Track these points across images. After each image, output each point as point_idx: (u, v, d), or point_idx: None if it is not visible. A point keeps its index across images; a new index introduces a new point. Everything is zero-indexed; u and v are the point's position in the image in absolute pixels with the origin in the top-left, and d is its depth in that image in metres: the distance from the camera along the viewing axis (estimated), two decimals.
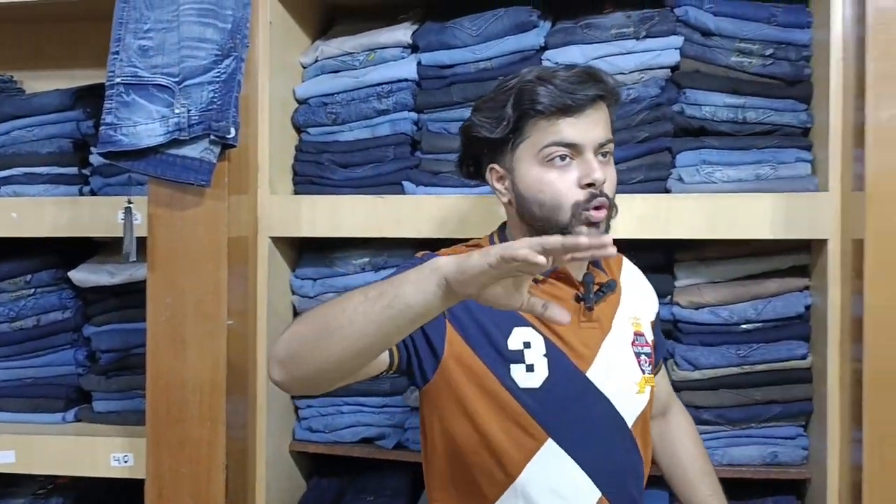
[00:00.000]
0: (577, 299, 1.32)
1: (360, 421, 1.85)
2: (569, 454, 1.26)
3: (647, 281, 1.49)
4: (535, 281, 1.28)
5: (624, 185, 1.70)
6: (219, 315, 1.65)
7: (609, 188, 1.27)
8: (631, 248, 1.73)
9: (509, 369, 1.25)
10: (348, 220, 1.79)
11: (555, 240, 0.89)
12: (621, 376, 1.32)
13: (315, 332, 1.05)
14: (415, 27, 1.88)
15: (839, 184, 1.57)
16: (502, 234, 1.38)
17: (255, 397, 1.80)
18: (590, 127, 1.26)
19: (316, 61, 1.93)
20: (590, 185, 1.25)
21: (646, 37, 1.74)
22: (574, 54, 1.75)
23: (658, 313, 1.49)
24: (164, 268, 1.66)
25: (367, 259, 1.88)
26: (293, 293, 1.93)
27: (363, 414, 1.86)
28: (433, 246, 1.85)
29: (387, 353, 1.19)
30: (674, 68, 1.75)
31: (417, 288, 0.98)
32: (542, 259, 0.88)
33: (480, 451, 1.27)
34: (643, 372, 1.35)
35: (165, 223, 1.66)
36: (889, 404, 1.42)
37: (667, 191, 1.70)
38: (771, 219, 1.60)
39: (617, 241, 1.76)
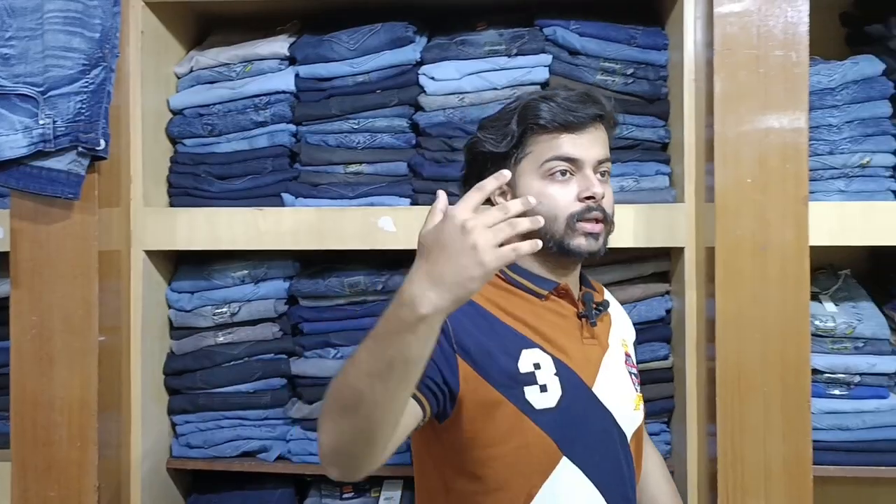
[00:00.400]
0: (579, 316, 1.34)
1: (240, 435, 1.84)
2: (581, 470, 1.26)
3: (620, 306, 1.51)
4: (540, 297, 1.31)
5: None
6: (89, 331, 1.60)
7: (607, 205, 1.31)
8: None
9: (523, 392, 1.24)
10: (227, 233, 1.77)
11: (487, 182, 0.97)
12: (620, 393, 1.33)
13: (338, 424, 1.03)
14: (292, 39, 1.88)
15: (693, 195, 1.69)
16: None
17: (128, 414, 1.75)
18: (590, 144, 1.30)
19: (191, 71, 1.91)
20: (589, 198, 1.28)
21: (517, 54, 1.81)
22: (449, 70, 1.81)
23: (634, 340, 1.49)
24: (28, 284, 1.60)
25: (246, 271, 1.87)
26: (169, 307, 1.89)
27: (243, 427, 1.84)
28: (314, 257, 1.87)
29: (414, 403, 1.14)
30: (544, 85, 1.83)
31: (415, 342, 0.95)
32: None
33: (488, 480, 1.23)
34: (636, 390, 1.38)
35: (30, 237, 1.60)
36: (738, 401, 1.54)
37: None
38: (634, 229, 1.70)
39: None
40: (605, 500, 1.27)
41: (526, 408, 1.23)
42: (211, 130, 1.86)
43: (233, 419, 1.84)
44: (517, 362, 1.25)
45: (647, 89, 1.81)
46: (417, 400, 1.15)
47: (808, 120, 1.56)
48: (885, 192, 1.72)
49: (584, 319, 1.33)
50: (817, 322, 1.73)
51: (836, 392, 1.73)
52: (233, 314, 1.84)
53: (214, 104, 1.86)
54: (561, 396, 1.25)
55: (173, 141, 1.91)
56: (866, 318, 1.75)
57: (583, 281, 1.40)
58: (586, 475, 1.26)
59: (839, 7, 1.94)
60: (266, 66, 1.87)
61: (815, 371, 1.69)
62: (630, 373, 1.38)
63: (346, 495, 1.85)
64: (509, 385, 1.23)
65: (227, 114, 1.86)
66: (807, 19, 1.54)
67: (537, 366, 1.26)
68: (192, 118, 1.87)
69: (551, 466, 1.24)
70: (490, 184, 0.99)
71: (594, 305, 1.36)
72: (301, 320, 1.86)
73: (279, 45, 1.87)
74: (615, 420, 1.31)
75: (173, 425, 1.89)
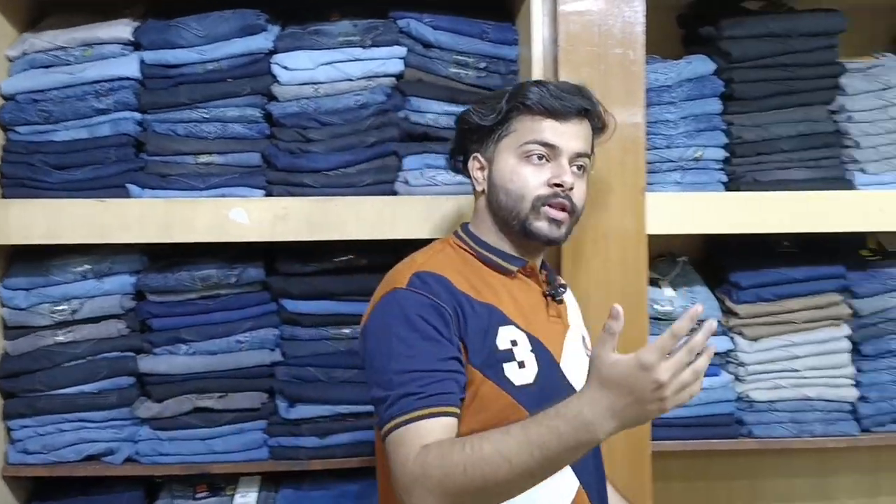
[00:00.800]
0: (544, 295, 1.37)
1: (83, 438, 1.75)
2: None
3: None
4: (509, 274, 1.34)
5: (355, 188, 1.77)
6: None
7: (577, 197, 1.33)
8: (363, 248, 1.80)
9: (503, 369, 1.25)
10: (67, 226, 1.68)
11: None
12: (581, 371, 1.31)
13: (480, 477, 1.06)
14: (136, 24, 1.80)
15: None
16: (466, 230, 1.40)
17: None
18: (571, 135, 1.32)
19: (24, 55, 1.79)
20: (558, 185, 1.30)
21: (371, 45, 1.81)
22: (303, 59, 1.78)
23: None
24: None
25: (88, 266, 1.78)
26: (3, 305, 1.77)
27: (87, 430, 1.75)
28: (163, 251, 1.80)
29: (454, 420, 1.17)
30: (399, 76, 1.83)
31: (580, 454, 1.06)
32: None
33: None
34: None
35: None
36: None
37: (394, 193, 1.79)
38: None
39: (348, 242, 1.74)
40: (576, 476, 1.29)
41: (506, 385, 1.25)
42: (47, 118, 1.75)
43: (75, 422, 1.75)
44: (495, 339, 1.26)
45: (499, 83, 1.84)
46: (455, 415, 1.17)
47: (645, 115, 1.65)
48: (716, 184, 1.84)
49: (548, 298, 1.37)
50: (657, 306, 1.84)
51: None
52: (74, 311, 1.75)
53: (51, 90, 1.76)
54: (538, 372, 1.27)
55: (4, 128, 1.78)
56: (700, 301, 1.88)
57: (542, 264, 1.42)
58: None
59: (677, 9, 2.05)
60: (108, 51, 1.78)
61: None
62: (587, 354, 1.39)
63: (199, 495, 1.80)
64: (489, 363, 1.24)
65: (65, 100, 1.76)
66: (643, 19, 1.63)
67: (514, 342, 1.27)
68: (26, 104, 1.76)
69: None
70: (683, 327, 1.00)
71: (557, 285, 1.40)
72: (150, 316, 1.79)
73: (122, 28, 1.78)
74: None
75: (8, 431, 1.77)
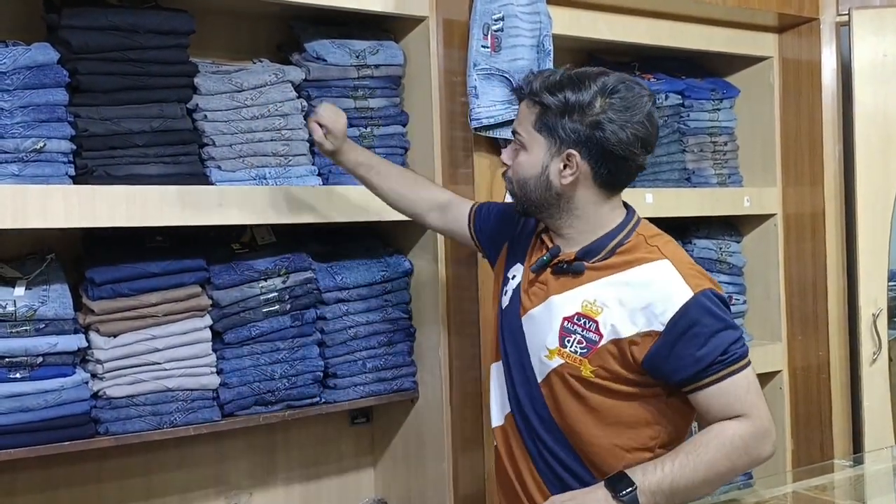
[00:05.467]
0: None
1: None
2: (503, 370, 1.66)
3: (675, 293, 1.45)
4: (540, 239, 1.63)
5: None
6: None
7: (512, 173, 1.59)
8: None
9: (503, 288, 1.68)
10: None
11: None
12: (537, 336, 1.57)
13: None
14: None
15: None
16: None
17: None
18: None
19: None
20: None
21: None
22: None
23: (674, 323, 1.44)
24: None
25: None
26: None
27: None
28: None
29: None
30: None
31: None
32: None
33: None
34: (563, 346, 1.52)
35: None
36: None
37: None
38: None
39: None
40: (510, 403, 1.64)
41: (499, 299, 1.69)
42: None
43: None
44: (510, 267, 1.68)
45: None
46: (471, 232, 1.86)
47: None
48: (63, 177, 1.76)
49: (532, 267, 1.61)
50: None
51: (18, 375, 1.74)
52: None
53: None
54: (505, 307, 1.65)
55: None
56: (52, 298, 1.80)
57: (600, 240, 1.55)
58: (506, 374, 1.65)
59: None
60: None
61: None
62: (570, 330, 1.52)
63: None
64: (503, 278, 1.70)
65: None
66: None
67: (513, 277, 1.65)
68: None
69: (496, 356, 1.70)
70: None
71: (556, 261, 1.56)
72: None
73: None
74: (528, 355, 1.59)
75: None
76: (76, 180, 1.79)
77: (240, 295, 2.00)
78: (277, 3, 2.00)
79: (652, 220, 2.57)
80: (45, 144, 1.74)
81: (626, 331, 1.47)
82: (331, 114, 1.83)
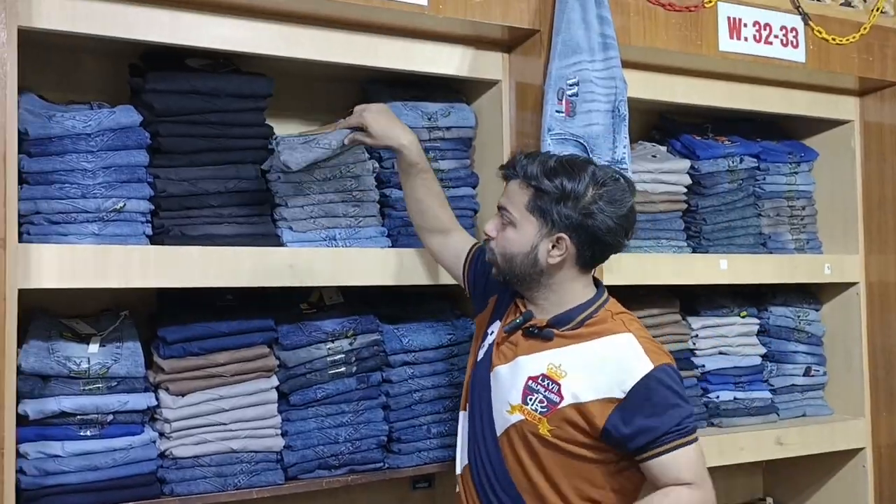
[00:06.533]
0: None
1: None
2: (467, 420, 1.75)
3: (637, 364, 1.57)
4: (515, 303, 1.73)
5: None
6: None
7: (497, 245, 1.68)
8: None
9: (481, 343, 1.78)
10: None
11: None
12: (501, 392, 1.67)
13: None
14: None
15: None
16: None
17: None
18: (503, 194, 1.69)
19: None
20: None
21: None
22: None
23: (634, 392, 1.55)
24: None
25: None
26: None
27: None
28: None
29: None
30: None
31: None
32: None
33: None
34: (524, 403, 1.62)
35: None
36: None
37: None
38: None
39: None
40: (468, 456, 1.73)
41: (476, 351, 1.78)
42: None
43: None
44: (490, 325, 1.77)
45: None
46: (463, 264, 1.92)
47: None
48: (140, 236, 1.80)
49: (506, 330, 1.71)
50: (70, 364, 1.74)
51: (89, 433, 1.75)
52: None
53: None
54: (481, 360, 1.74)
55: None
56: (124, 356, 1.81)
57: (570, 312, 1.65)
58: (468, 425, 1.74)
59: (131, 57, 2.00)
60: None
61: (65, 414, 1.70)
62: (532, 388, 1.62)
63: None
64: (483, 332, 1.80)
65: None
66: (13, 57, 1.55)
67: (492, 333, 1.75)
68: None
69: (464, 405, 1.78)
70: None
71: (528, 326, 1.67)
72: None
73: None
74: (491, 408, 1.68)
75: None
76: (153, 240, 1.82)
77: (307, 356, 1.99)
78: (352, 66, 2.02)
79: (728, 286, 2.56)
80: (125, 205, 1.78)
81: (587, 396, 1.58)
82: (372, 115, 1.83)
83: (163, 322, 1.89)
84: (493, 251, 1.68)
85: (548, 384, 1.61)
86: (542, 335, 1.66)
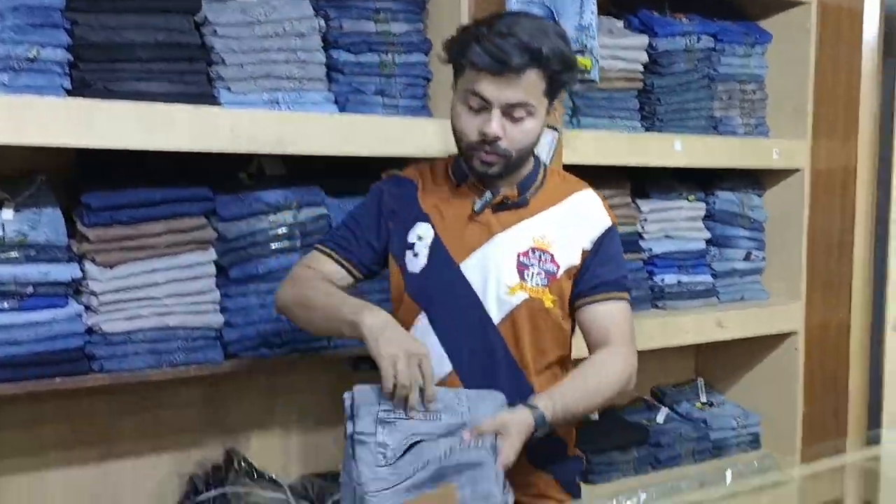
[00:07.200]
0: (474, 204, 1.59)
1: None
2: (433, 330, 1.57)
3: (600, 217, 1.61)
4: (456, 184, 1.60)
5: None
6: None
7: (508, 143, 1.49)
8: None
9: (405, 256, 1.59)
10: None
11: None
12: (485, 278, 1.55)
13: (299, 308, 1.58)
14: None
15: None
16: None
17: None
18: (504, 88, 1.46)
19: None
20: (483, 135, 1.48)
21: None
22: None
23: (598, 242, 1.58)
24: None
25: None
26: None
27: None
28: None
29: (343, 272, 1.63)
30: None
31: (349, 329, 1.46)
32: None
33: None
34: (523, 280, 1.55)
35: None
36: None
37: None
38: None
39: None
40: (450, 361, 1.55)
41: (403, 270, 1.59)
42: None
43: None
44: (408, 232, 1.59)
45: None
46: (348, 270, 1.62)
47: None
48: (57, 88, 1.61)
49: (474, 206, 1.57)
50: None
51: (6, 305, 1.59)
52: None
53: None
54: (425, 266, 1.57)
55: None
56: (44, 223, 1.65)
57: (528, 177, 1.59)
58: (437, 335, 1.56)
59: None
60: None
61: None
62: (526, 264, 1.55)
63: None
64: (400, 249, 1.60)
65: None
66: None
67: (420, 237, 1.58)
68: None
69: (412, 320, 1.58)
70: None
71: (499, 200, 1.56)
72: None
73: None
74: (479, 299, 1.55)
75: None
76: (71, 94, 1.63)
77: (247, 228, 1.86)
78: None
79: (680, 170, 2.51)
80: (38, 52, 1.58)
81: (576, 257, 1.59)
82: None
83: (85, 188, 1.72)
84: (507, 151, 1.50)
85: (540, 256, 1.56)
86: (516, 204, 1.58)
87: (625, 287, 1.62)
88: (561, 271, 1.57)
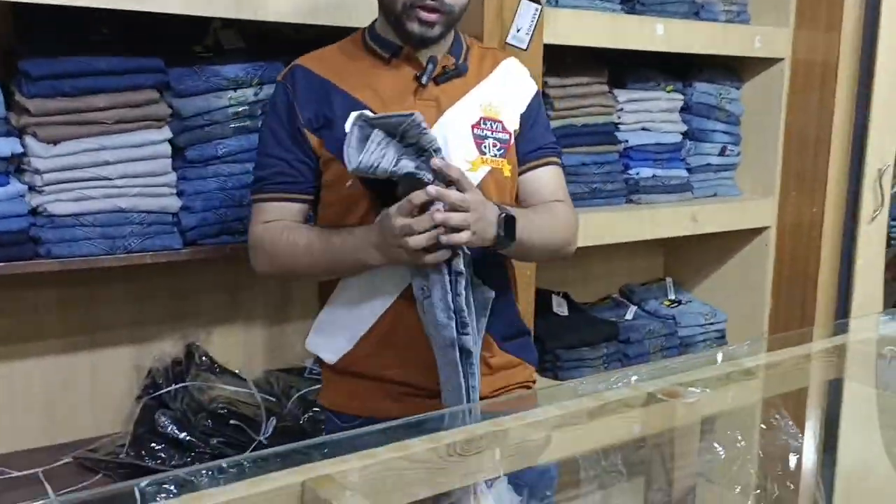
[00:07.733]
0: (416, 78, 1.46)
1: None
2: None
3: (529, 82, 1.59)
4: (383, 60, 1.48)
5: None
6: None
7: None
8: None
9: (345, 151, 1.35)
10: None
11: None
12: (452, 154, 1.42)
13: (290, 276, 1.69)
14: None
15: None
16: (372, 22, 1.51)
17: None
18: None
19: None
20: None
21: None
22: None
23: (531, 107, 1.56)
24: None
25: None
26: None
27: None
28: None
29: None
30: None
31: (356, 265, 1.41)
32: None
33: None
34: (482, 153, 1.48)
35: None
36: None
37: None
38: None
39: None
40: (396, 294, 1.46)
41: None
42: None
43: None
44: (344, 124, 1.35)
45: None
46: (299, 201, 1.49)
47: None
48: None
49: (418, 81, 1.45)
50: None
51: None
52: None
53: None
54: None
55: None
56: None
57: (455, 46, 1.51)
58: None
59: None
60: None
61: None
62: (482, 136, 1.49)
63: None
64: (338, 143, 1.37)
65: None
66: None
67: (359, 125, 1.33)
68: None
69: (365, 214, 1.45)
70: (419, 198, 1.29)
71: (440, 70, 1.47)
72: None
73: None
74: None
75: None
76: None
77: (205, 105, 1.72)
78: None
79: (662, 54, 2.41)
80: None
81: (517, 122, 1.56)
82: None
83: (23, 55, 1.55)
84: (452, 8, 1.42)
85: (492, 125, 1.52)
86: (457, 73, 1.51)
87: (558, 151, 1.62)
88: (512, 139, 1.53)
